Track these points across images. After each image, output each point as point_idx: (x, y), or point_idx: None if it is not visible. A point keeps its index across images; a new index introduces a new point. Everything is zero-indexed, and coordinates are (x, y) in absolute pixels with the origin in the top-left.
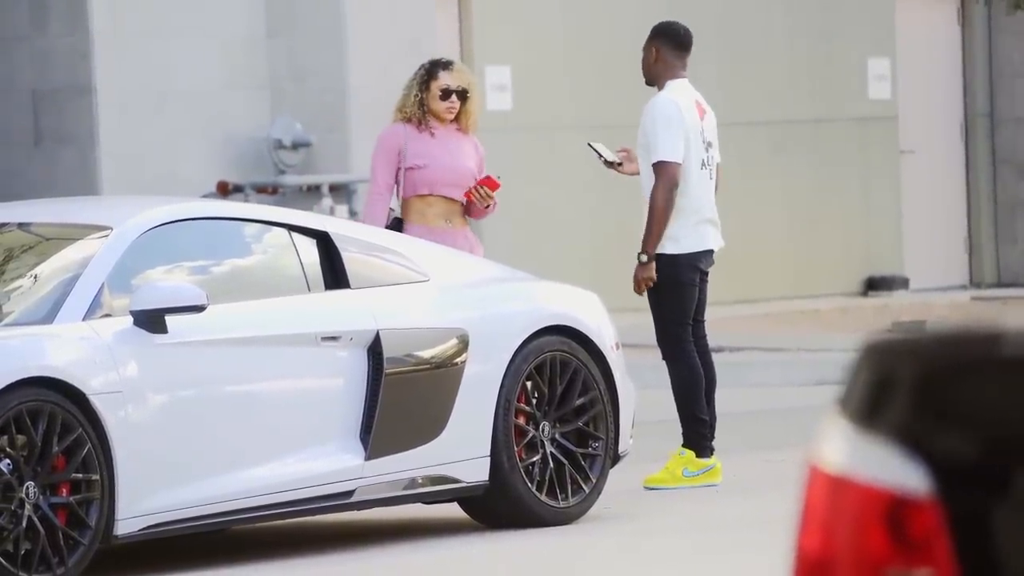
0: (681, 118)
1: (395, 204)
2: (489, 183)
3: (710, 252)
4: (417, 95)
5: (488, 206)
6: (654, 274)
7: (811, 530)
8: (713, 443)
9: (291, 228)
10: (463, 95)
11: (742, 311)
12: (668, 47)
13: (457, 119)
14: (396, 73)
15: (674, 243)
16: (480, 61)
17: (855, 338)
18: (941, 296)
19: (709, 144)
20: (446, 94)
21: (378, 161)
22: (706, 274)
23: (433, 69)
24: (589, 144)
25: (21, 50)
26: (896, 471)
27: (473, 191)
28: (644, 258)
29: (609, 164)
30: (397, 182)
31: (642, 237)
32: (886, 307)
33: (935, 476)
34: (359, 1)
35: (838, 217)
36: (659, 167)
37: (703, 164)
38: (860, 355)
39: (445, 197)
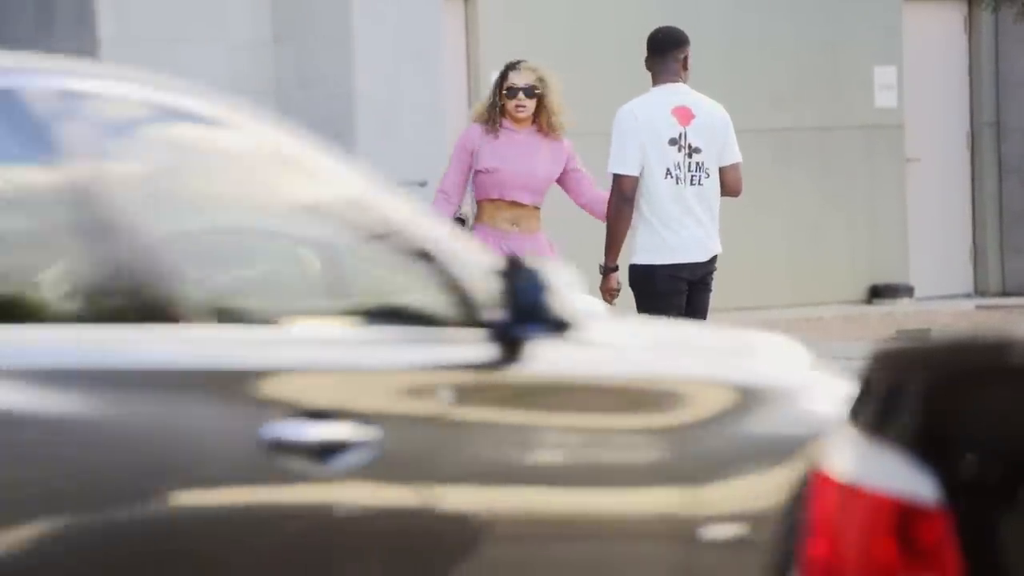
0: (636, 129)
1: (467, 204)
2: None
3: (697, 263)
4: (492, 98)
5: None
6: (615, 285)
7: (820, 538)
8: None
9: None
10: (530, 92)
11: (745, 319)
12: (649, 54)
13: (537, 120)
14: (402, 80)
15: (646, 254)
16: (486, 67)
17: (859, 346)
18: (946, 305)
19: (694, 150)
20: (512, 92)
21: (452, 161)
22: (705, 284)
23: (506, 71)
24: None
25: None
26: (905, 479)
27: None
28: (601, 269)
29: None
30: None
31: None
32: (890, 315)
33: (944, 485)
34: (366, 7)
35: (842, 225)
36: (613, 179)
37: (668, 173)
38: (869, 363)
39: (514, 202)
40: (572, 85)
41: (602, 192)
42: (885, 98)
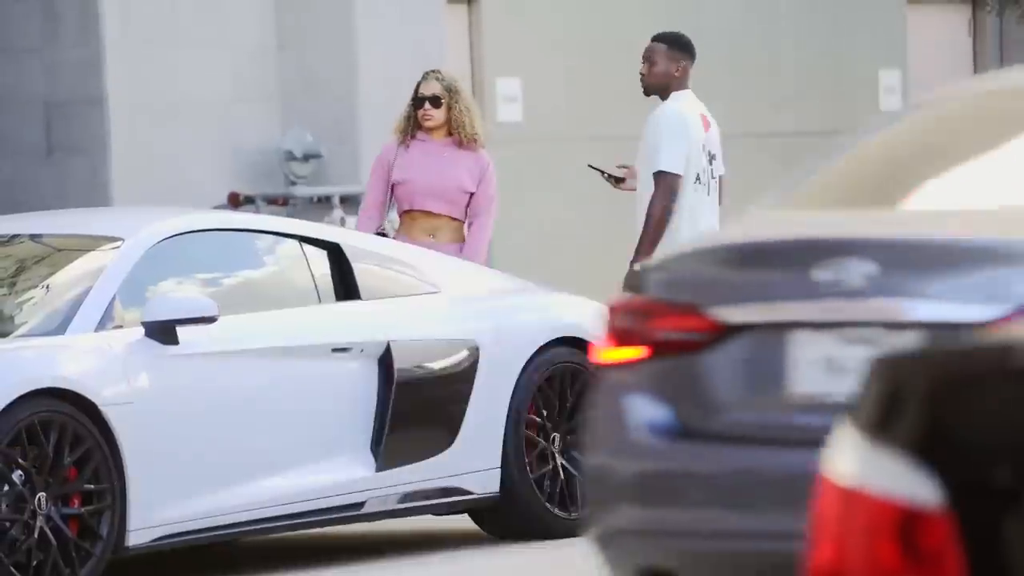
0: (686, 131)
1: (393, 217)
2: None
3: None
4: (407, 109)
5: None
6: None
7: (823, 542)
8: None
9: (302, 239)
10: (436, 102)
11: None
12: (685, 58)
13: (451, 130)
14: (406, 85)
15: None
16: (490, 73)
17: None
18: None
19: (713, 157)
20: (419, 102)
21: (370, 178)
22: None
23: (419, 82)
24: (590, 166)
25: (32, 61)
26: (908, 483)
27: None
28: (637, 267)
29: (616, 180)
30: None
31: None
32: None
33: (947, 488)
34: (369, 13)
35: None
36: (659, 177)
37: (698, 178)
38: (872, 367)
39: (427, 212)
40: (574, 87)
41: (480, 242)
42: (890, 101)
